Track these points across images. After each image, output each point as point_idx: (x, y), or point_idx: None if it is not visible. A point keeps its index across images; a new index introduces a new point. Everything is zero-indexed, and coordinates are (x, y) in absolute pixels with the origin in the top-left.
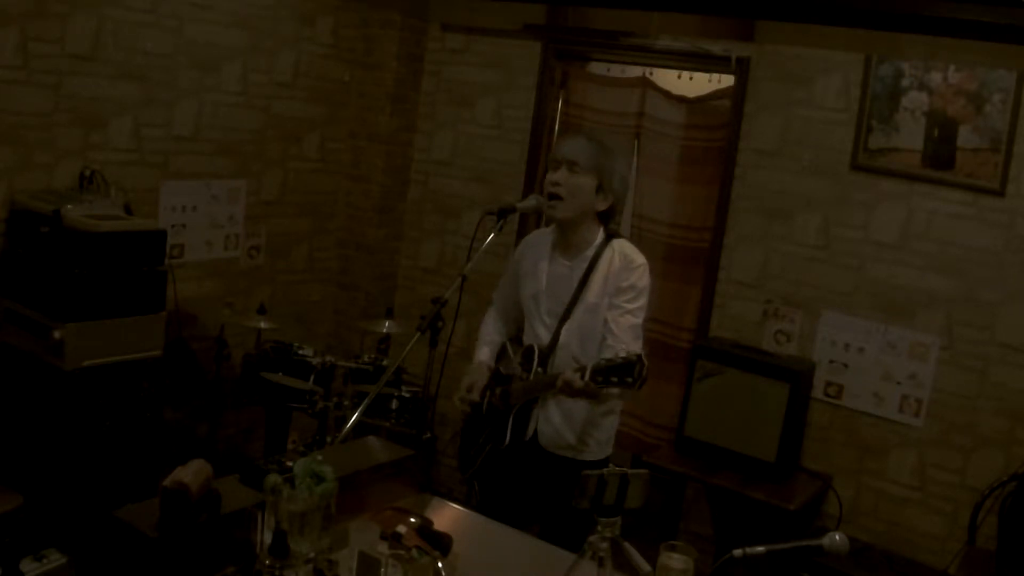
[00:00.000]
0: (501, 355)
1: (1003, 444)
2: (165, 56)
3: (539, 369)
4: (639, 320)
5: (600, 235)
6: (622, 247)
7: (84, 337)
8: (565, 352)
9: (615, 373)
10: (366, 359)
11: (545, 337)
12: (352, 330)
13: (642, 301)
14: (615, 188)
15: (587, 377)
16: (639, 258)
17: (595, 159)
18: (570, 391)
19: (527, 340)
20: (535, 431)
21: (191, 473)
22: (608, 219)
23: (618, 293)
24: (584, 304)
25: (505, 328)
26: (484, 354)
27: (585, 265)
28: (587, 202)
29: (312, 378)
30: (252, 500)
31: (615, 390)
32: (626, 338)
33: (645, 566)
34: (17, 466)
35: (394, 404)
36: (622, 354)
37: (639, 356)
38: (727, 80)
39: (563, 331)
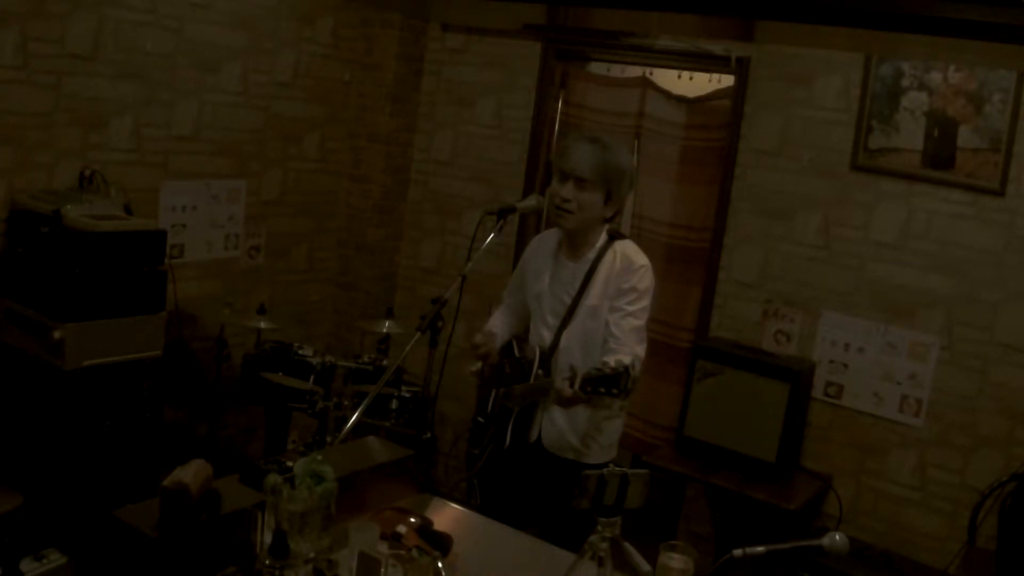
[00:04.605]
0: (507, 351)
1: (1003, 444)
2: (165, 56)
3: (539, 371)
4: (641, 322)
5: (603, 236)
6: (624, 248)
7: (84, 337)
8: (566, 355)
9: (603, 383)
10: (366, 359)
11: (547, 338)
12: (352, 330)
13: (644, 303)
14: (623, 193)
15: (576, 386)
16: (641, 259)
17: (603, 172)
18: (560, 399)
19: (532, 340)
20: (539, 433)
21: (191, 473)
22: (611, 219)
23: (619, 295)
24: (585, 307)
25: (512, 324)
26: (496, 327)
27: (587, 266)
28: (596, 214)
29: (312, 378)
30: (252, 500)
31: (605, 399)
32: (628, 340)
33: (645, 566)
34: (17, 466)
35: (394, 404)
36: (612, 363)
37: (626, 367)
38: (727, 80)
39: (564, 334)
